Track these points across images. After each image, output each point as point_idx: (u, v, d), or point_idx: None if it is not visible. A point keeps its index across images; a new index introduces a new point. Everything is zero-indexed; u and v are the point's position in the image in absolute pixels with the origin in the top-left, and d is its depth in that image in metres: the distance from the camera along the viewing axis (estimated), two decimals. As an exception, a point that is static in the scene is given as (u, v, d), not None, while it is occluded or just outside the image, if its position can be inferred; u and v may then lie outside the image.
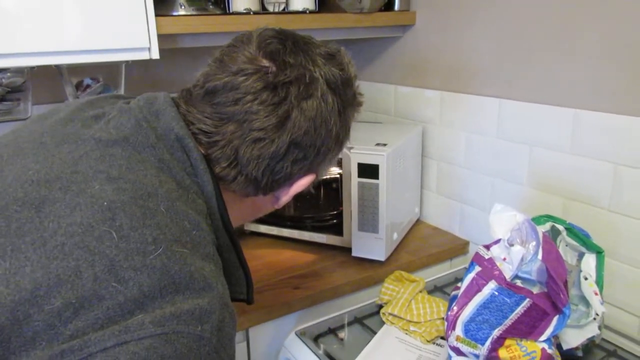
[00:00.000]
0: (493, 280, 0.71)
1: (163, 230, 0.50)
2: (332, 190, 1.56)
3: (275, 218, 1.40)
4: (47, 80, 1.18)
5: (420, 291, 1.08)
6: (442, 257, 1.34)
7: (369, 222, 1.21)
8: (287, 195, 0.68)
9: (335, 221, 1.34)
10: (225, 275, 0.58)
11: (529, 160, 1.16)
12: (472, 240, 1.36)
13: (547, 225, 0.81)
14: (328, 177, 1.47)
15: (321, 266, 1.24)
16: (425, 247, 1.34)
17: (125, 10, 0.99)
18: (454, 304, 0.74)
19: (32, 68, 0.99)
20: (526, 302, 0.68)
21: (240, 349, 1.07)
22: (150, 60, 1.06)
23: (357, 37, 1.45)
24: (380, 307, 1.06)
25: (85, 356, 0.43)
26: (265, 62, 0.60)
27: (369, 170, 1.18)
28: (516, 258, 0.70)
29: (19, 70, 0.97)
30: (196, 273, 0.49)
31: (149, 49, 1.04)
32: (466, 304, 0.71)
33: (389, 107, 1.59)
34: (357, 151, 1.19)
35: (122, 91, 1.09)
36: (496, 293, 0.70)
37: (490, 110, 1.24)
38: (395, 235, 1.28)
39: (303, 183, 0.67)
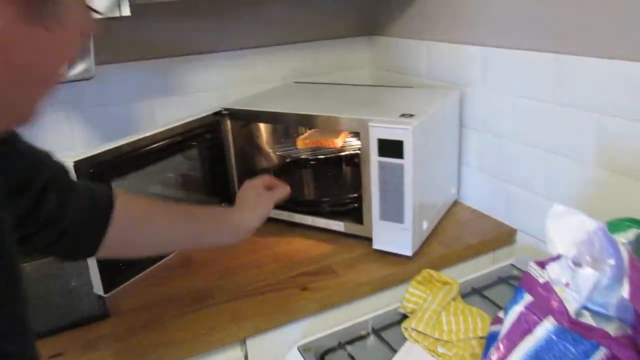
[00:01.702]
0: (550, 317, 0.50)
1: None
2: (355, 167, 1.35)
3: (287, 201, 1.21)
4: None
5: (454, 298, 0.88)
6: (483, 249, 1.12)
7: (393, 210, 1.01)
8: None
9: (355, 205, 1.14)
10: None
11: (597, 132, 0.92)
12: (520, 229, 1.14)
13: (631, 234, 0.58)
14: (348, 152, 1.26)
15: (336, 260, 1.05)
16: (463, 235, 1.13)
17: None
18: (492, 347, 0.53)
19: None
20: (600, 353, 0.47)
21: (236, 362, 0.91)
22: (121, 20, 0.87)
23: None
24: (404, 316, 0.87)
25: None
26: None
27: (391, 148, 0.97)
28: (585, 284, 0.49)
29: None
30: None
31: (118, 4, 0.85)
32: (511, 350, 0.51)
33: (420, 68, 1.35)
34: (376, 124, 0.97)
35: (91, 54, 0.91)
36: (554, 337, 0.49)
37: (547, 69, 0.99)
38: (425, 225, 1.07)
39: None
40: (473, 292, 0.95)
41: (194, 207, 0.89)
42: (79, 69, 0.89)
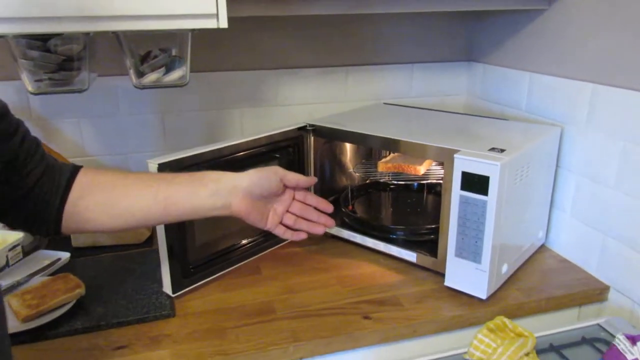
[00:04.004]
0: (636, 405, 0.43)
1: None
2: (436, 196, 1.30)
3: (361, 224, 1.19)
4: (112, 50, 1.09)
5: (527, 353, 0.80)
6: (568, 303, 1.02)
7: (470, 248, 0.95)
8: None
9: (431, 237, 1.09)
10: None
11: None
12: (613, 286, 1.02)
13: None
14: (431, 180, 1.21)
15: (404, 292, 1.01)
16: (546, 285, 1.03)
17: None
18: None
19: (87, 34, 0.89)
20: None
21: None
22: (218, 31, 0.90)
23: (488, 8, 1.16)
24: (469, 365, 0.81)
25: None
26: None
27: (476, 183, 0.91)
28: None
29: (74, 37, 0.87)
30: None
31: (217, 15, 0.88)
32: None
33: (519, 100, 1.27)
34: (462, 156, 0.92)
35: (187, 62, 0.95)
36: None
37: (664, 115, 0.89)
38: (504, 268, 1.00)
39: None
40: (550, 350, 0.86)
41: (173, 173, 0.80)
42: (174, 75, 0.94)
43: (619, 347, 0.48)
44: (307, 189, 0.86)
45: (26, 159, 0.66)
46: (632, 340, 0.47)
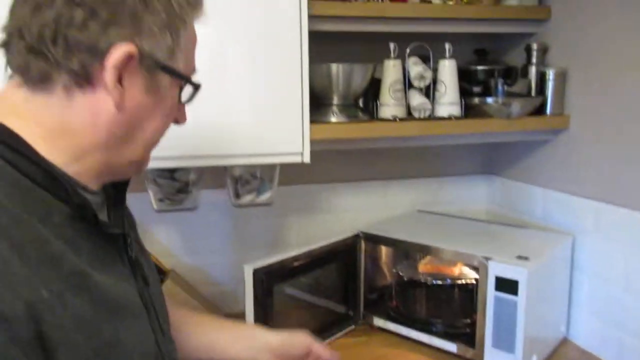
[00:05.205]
0: None
1: None
2: (467, 293, 1.50)
3: (405, 318, 1.38)
4: (212, 170, 1.35)
5: None
6: (591, 390, 1.19)
7: (505, 340, 1.14)
8: (108, 75, 0.54)
9: (468, 330, 1.28)
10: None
11: None
12: (630, 376, 1.19)
13: None
14: (463, 280, 1.42)
15: (449, 379, 1.18)
16: (571, 374, 1.21)
17: (286, 121, 1.11)
18: None
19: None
20: None
21: None
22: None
23: (503, 140, 1.43)
24: None
25: None
26: None
27: (507, 285, 1.12)
28: None
29: (193, 168, 1.13)
30: None
31: (302, 153, 1.14)
32: None
33: (535, 211, 1.51)
34: (495, 262, 1.14)
35: (274, 186, 1.20)
36: None
37: (656, 232, 1.11)
38: (534, 358, 1.18)
39: (118, 55, 0.54)
40: None
41: (219, 319, 0.91)
42: (265, 197, 1.19)
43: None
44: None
45: None
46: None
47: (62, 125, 0.55)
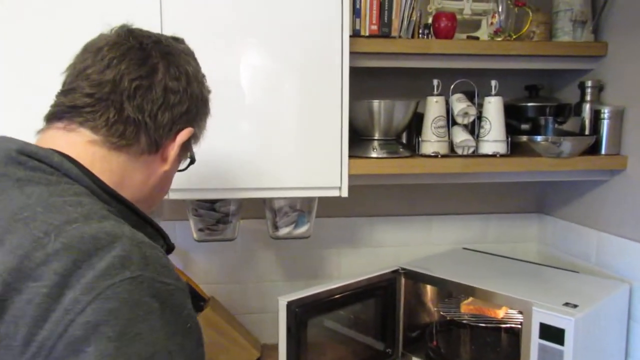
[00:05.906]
0: None
1: (48, 222, 0.54)
2: (513, 337, 1.43)
3: (445, 359, 1.33)
4: (251, 201, 1.38)
5: None
6: None
7: (550, 393, 1.07)
8: (173, 150, 0.70)
9: (511, 378, 1.21)
10: None
11: None
12: None
13: None
14: (509, 324, 1.35)
15: None
16: None
17: (325, 156, 1.13)
18: None
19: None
20: None
21: None
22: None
23: (552, 179, 1.37)
24: None
25: (47, 353, 0.48)
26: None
27: (553, 334, 1.06)
28: None
29: (233, 199, 1.16)
30: (98, 233, 0.53)
31: (340, 188, 1.15)
32: None
33: (588, 254, 1.42)
34: (540, 309, 1.08)
35: (312, 219, 1.21)
36: None
37: None
38: (582, 414, 1.10)
39: (185, 135, 0.71)
40: None
41: None
42: (302, 229, 1.19)
43: None
44: None
45: None
46: None
47: (122, 180, 0.67)
